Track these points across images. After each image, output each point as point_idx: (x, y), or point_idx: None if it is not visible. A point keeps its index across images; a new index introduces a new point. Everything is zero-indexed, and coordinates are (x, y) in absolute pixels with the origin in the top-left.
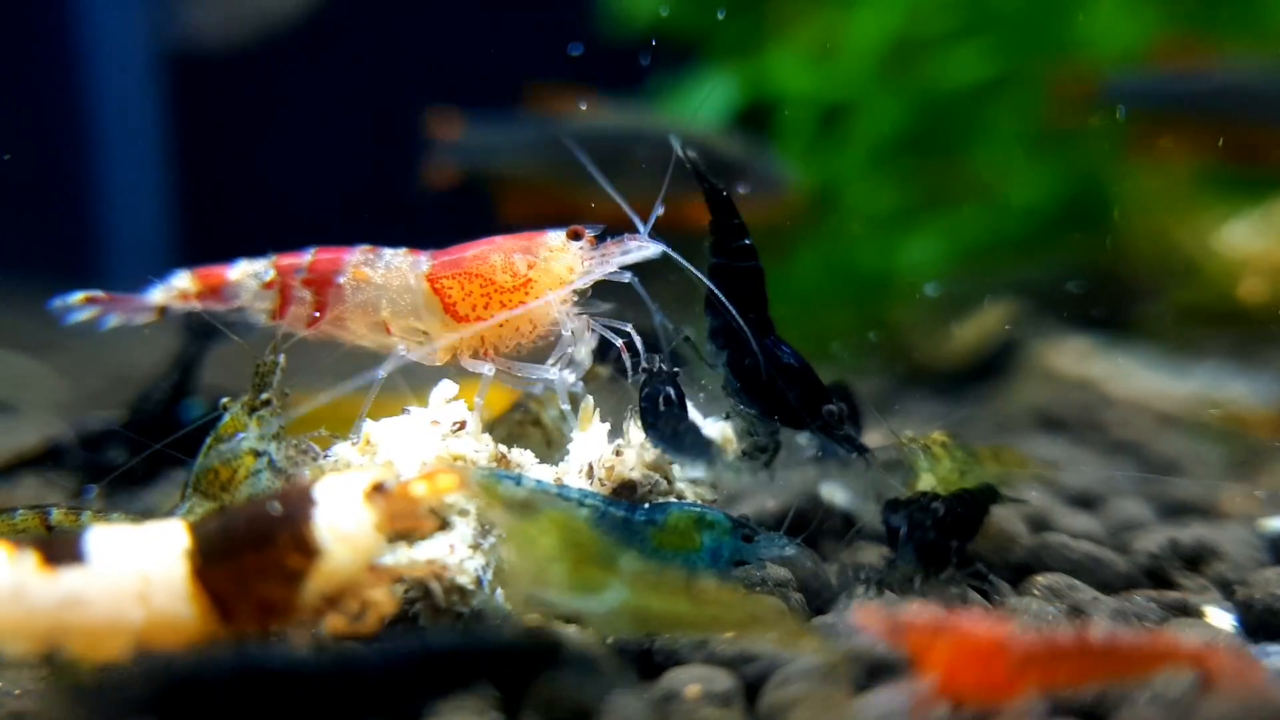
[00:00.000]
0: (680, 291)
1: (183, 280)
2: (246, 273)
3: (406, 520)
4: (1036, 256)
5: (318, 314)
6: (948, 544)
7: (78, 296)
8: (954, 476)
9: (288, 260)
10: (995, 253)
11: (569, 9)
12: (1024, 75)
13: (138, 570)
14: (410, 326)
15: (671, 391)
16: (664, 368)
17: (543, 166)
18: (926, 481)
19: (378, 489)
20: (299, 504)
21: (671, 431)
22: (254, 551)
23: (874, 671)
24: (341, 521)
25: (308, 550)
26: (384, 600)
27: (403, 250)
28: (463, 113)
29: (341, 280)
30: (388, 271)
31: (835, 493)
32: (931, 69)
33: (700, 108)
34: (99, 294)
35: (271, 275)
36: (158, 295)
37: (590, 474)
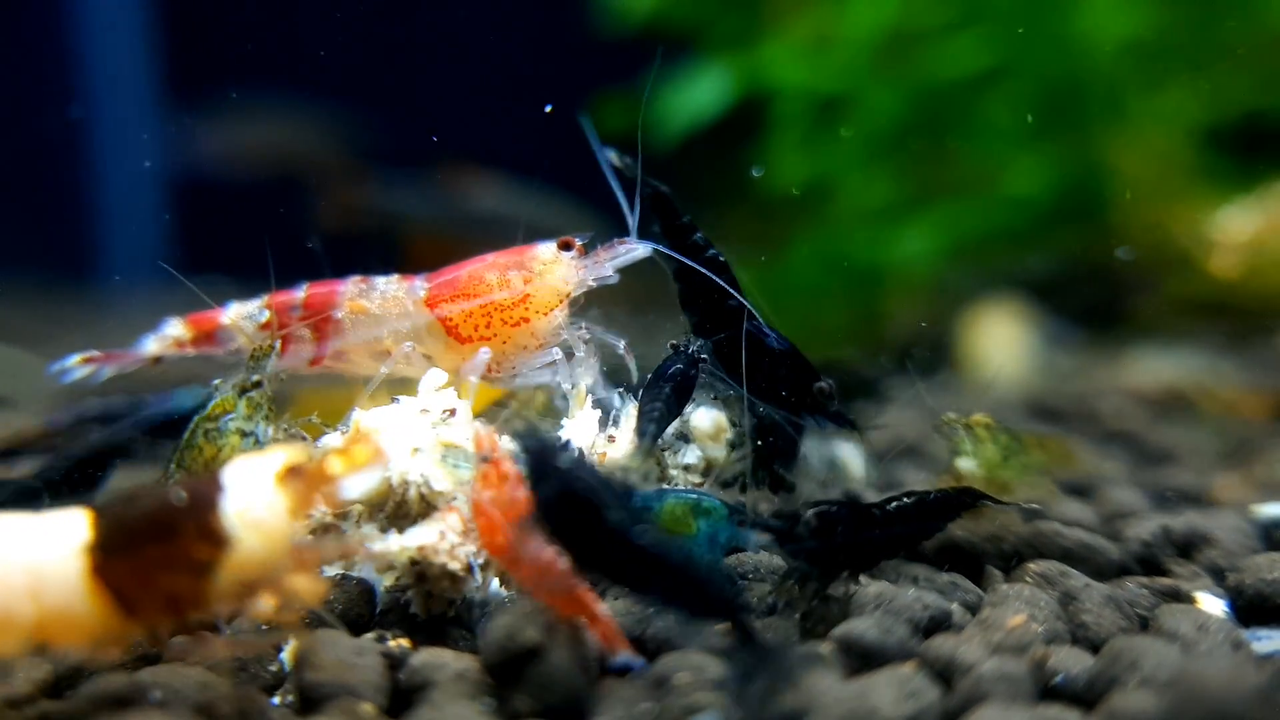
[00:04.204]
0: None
1: (175, 328)
2: (240, 315)
3: (324, 502)
4: (1032, 248)
5: (319, 350)
6: (833, 552)
7: (74, 359)
8: (997, 460)
9: (281, 298)
10: (991, 244)
11: (566, 4)
12: (1019, 67)
13: (28, 565)
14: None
15: (684, 373)
16: (693, 351)
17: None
18: (967, 463)
19: (292, 471)
20: (205, 491)
21: (650, 403)
22: (157, 544)
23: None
24: (252, 507)
25: (215, 540)
26: (307, 589)
27: (394, 277)
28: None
29: (339, 315)
30: (384, 301)
31: (850, 458)
32: (927, 61)
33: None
34: (94, 353)
35: (267, 316)
36: (152, 345)
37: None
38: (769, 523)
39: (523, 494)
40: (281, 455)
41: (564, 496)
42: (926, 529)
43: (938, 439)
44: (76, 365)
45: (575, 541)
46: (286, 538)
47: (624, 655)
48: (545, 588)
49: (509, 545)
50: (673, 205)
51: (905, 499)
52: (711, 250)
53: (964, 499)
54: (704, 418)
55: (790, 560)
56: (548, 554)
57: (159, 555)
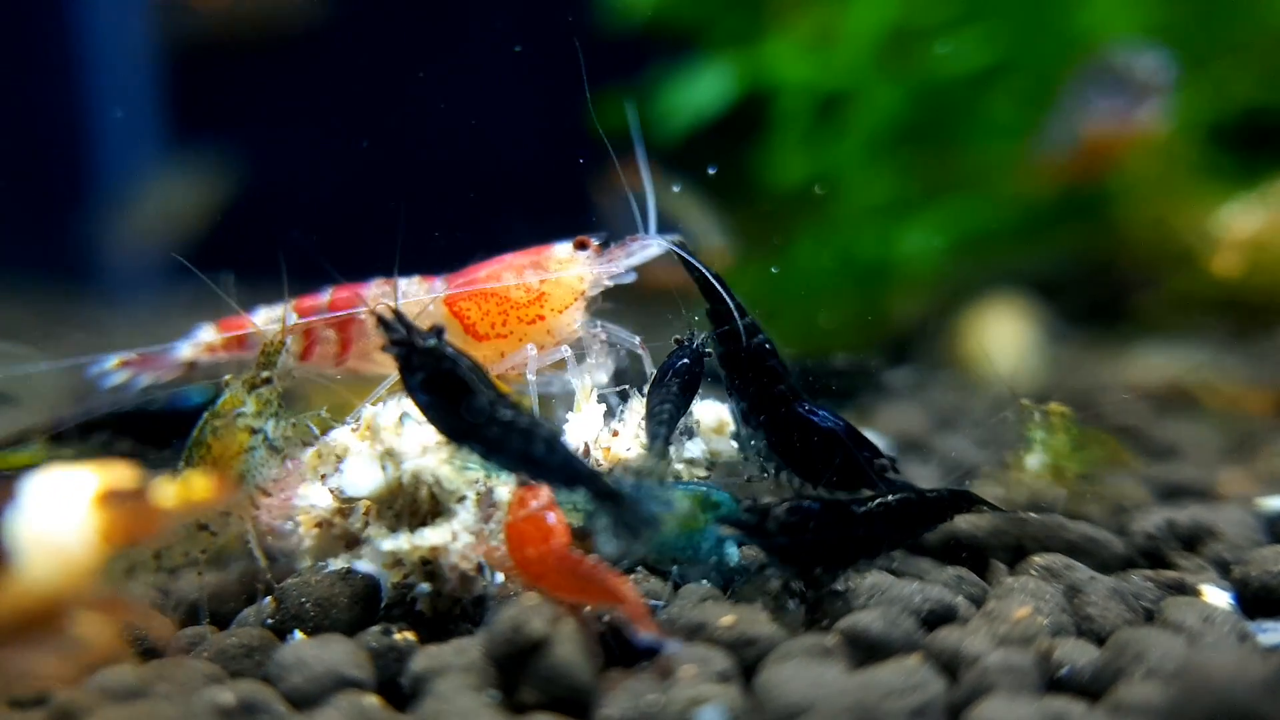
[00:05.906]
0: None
1: (208, 334)
2: (268, 319)
3: (144, 531)
4: (1036, 245)
5: (343, 351)
6: (803, 548)
7: (112, 362)
8: (1066, 450)
9: (308, 302)
10: (994, 241)
11: (567, 2)
12: (1022, 64)
13: None
14: None
15: (690, 368)
16: (699, 346)
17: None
18: (1037, 451)
19: (114, 494)
20: None
21: (659, 404)
22: None
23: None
24: (51, 526)
25: None
26: (97, 639)
27: (416, 278)
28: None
29: (363, 316)
30: (406, 301)
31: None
32: (930, 58)
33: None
34: (131, 356)
35: (294, 319)
36: (186, 351)
37: (586, 454)
38: (738, 517)
39: (557, 517)
40: (102, 475)
41: (431, 380)
42: (912, 530)
43: (963, 441)
44: (115, 369)
45: (445, 418)
46: (88, 570)
47: (651, 635)
48: (580, 590)
49: (537, 560)
50: (725, 288)
51: (890, 499)
52: (760, 336)
53: (957, 502)
54: (708, 411)
55: (764, 555)
56: (579, 562)
57: None
